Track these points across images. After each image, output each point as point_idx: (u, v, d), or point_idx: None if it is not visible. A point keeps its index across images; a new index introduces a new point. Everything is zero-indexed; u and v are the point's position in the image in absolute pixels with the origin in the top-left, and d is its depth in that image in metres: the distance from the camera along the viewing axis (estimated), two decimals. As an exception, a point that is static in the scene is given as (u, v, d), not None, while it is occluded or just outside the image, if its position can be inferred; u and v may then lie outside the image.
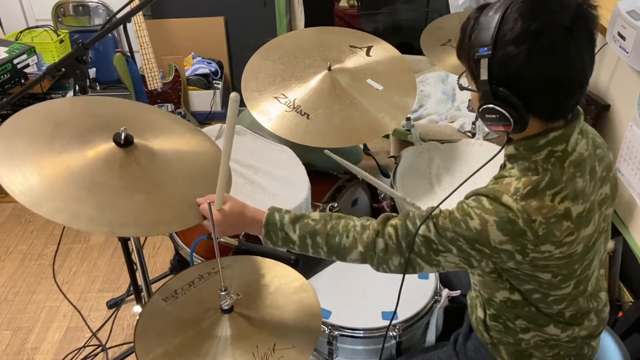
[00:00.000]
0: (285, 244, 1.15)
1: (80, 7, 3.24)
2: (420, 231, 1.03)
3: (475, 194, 1.01)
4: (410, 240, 1.04)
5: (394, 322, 1.37)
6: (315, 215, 1.14)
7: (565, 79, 0.93)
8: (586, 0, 0.92)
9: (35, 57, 2.70)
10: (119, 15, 1.53)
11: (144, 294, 1.67)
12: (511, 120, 0.94)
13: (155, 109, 1.43)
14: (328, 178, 2.02)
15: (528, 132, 0.99)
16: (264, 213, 1.17)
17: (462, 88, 1.07)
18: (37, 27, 3.08)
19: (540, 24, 0.89)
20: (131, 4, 1.53)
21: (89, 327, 2.16)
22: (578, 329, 1.13)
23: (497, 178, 1.04)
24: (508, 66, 0.92)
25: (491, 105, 0.95)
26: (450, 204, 1.05)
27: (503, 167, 1.09)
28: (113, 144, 1.20)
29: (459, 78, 1.08)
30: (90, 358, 2.05)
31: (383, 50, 2.01)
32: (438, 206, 1.04)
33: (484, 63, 0.93)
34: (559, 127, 0.98)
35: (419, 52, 2.24)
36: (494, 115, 0.96)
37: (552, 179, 0.97)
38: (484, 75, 0.94)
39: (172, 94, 2.98)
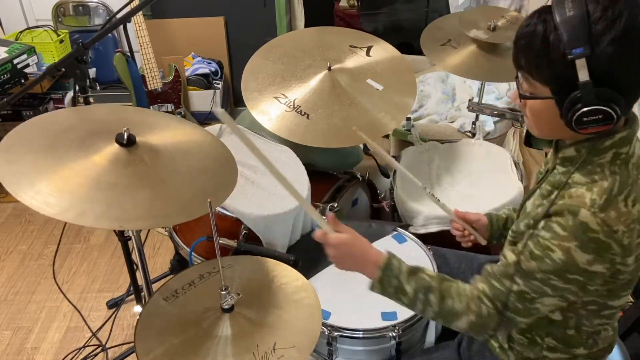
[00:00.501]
0: (396, 293, 1.11)
1: (80, 7, 3.24)
2: (505, 284, 1.01)
3: (546, 216, 0.98)
4: (504, 299, 1.02)
5: (393, 322, 1.37)
6: (431, 271, 1.12)
7: None
8: None
9: (35, 57, 2.70)
10: (119, 15, 1.53)
11: (144, 293, 1.67)
12: (615, 117, 0.91)
13: (151, 111, 1.44)
14: (328, 178, 2.02)
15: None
16: (382, 255, 1.13)
17: (525, 97, 1.01)
18: (37, 27, 3.08)
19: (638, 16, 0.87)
20: (131, 4, 1.53)
21: (89, 327, 2.16)
22: (600, 342, 1.13)
23: (558, 187, 1.01)
24: (613, 66, 0.89)
25: (597, 107, 0.91)
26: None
27: (550, 170, 1.07)
28: (116, 145, 1.21)
29: (518, 87, 1.03)
30: (90, 358, 2.05)
31: (383, 50, 2.01)
32: (517, 254, 1.01)
33: (582, 63, 0.89)
34: (622, 128, 0.97)
35: (419, 52, 2.24)
36: (596, 117, 0.91)
37: (621, 182, 0.96)
38: (584, 76, 0.89)
39: (172, 94, 2.98)
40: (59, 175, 1.12)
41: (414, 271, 1.11)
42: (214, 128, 1.91)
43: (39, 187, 1.08)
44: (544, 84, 0.96)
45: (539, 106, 0.99)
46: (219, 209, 1.57)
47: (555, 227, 0.95)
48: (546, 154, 1.33)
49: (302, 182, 1.75)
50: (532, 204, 1.13)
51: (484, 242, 1.38)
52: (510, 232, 1.13)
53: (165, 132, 1.35)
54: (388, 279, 1.10)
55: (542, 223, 0.99)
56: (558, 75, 0.93)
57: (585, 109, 0.91)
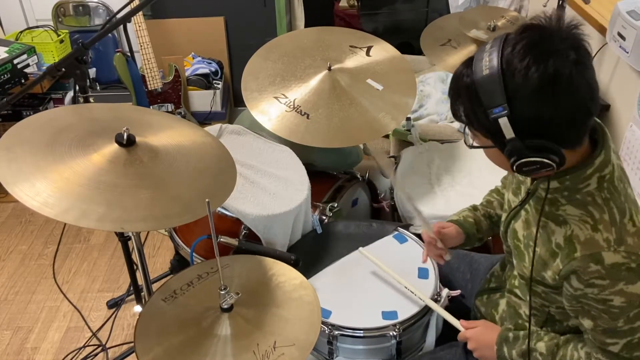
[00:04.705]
0: None
1: (80, 7, 3.24)
2: (612, 349, 1.01)
3: (572, 272, 0.98)
4: (628, 355, 1.01)
5: (394, 321, 1.37)
6: (542, 347, 1.12)
7: (591, 103, 0.91)
8: (571, 22, 0.91)
9: (35, 57, 2.70)
10: (119, 15, 1.53)
11: (144, 293, 1.67)
12: (554, 165, 0.91)
13: (151, 110, 1.44)
14: (328, 178, 2.02)
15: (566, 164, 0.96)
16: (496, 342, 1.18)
17: (472, 147, 1.02)
18: (37, 27, 3.08)
19: (553, 67, 0.86)
20: (131, 4, 1.53)
21: (89, 327, 2.16)
22: None
23: (555, 221, 1.02)
24: (535, 117, 0.89)
25: (530, 159, 0.91)
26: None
27: (532, 192, 1.07)
28: (115, 145, 1.21)
29: (465, 139, 1.04)
30: (90, 358, 2.05)
31: (383, 50, 2.01)
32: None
33: (504, 122, 0.89)
34: (597, 153, 0.97)
35: (419, 52, 2.24)
36: (534, 167, 0.92)
37: (617, 206, 0.97)
38: (509, 134, 0.90)
39: (172, 94, 2.98)
40: (59, 175, 1.11)
41: (526, 353, 1.13)
42: (214, 128, 1.91)
43: (39, 187, 1.07)
44: (483, 134, 0.97)
45: (489, 153, 1.01)
46: (219, 208, 1.57)
47: (595, 282, 0.96)
48: None
49: (302, 182, 1.75)
50: (522, 227, 1.13)
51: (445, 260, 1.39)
52: (528, 273, 1.12)
53: (164, 131, 1.35)
54: None
55: (575, 282, 0.99)
56: (488, 129, 0.94)
57: (520, 162, 0.92)
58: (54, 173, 1.12)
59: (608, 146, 0.99)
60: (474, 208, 1.41)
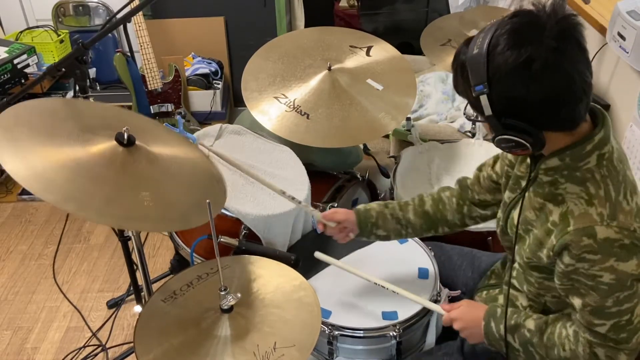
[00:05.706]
0: (512, 353, 1.15)
1: (80, 7, 3.24)
2: (599, 329, 1.01)
3: (564, 247, 0.99)
4: (611, 338, 1.01)
5: (394, 322, 1.37)
6: (530, 323, 1.13)
7: (567, 92, 0.94)
8: (564, 12, 0.93)
9: (35, 57, 2.70)
10: (119, 15, 1.53)
11: (144, 293, 1.67)
12: (527, 144, 0.97)
13: (145, 117, 1.42)
14: (328, 178, 2.02)
15: (560, 143, 1.00)
16: (483, 318, 1.18)
17: (470, 119, 1.08)
18: (37, 27, 3.08)
19: (528, 52, 0.91)
20: (131, 4, 1.53)
21: (89, 327, 2.16)
22: None
23: (552, 201, 1.04)
24: (509, 97, 0.94)
25: (505, 136, 0.98)
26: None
27: (532, 180, 1.08)
28: (115, 142, 1.20)
29: (465, 109, 1.11)
30: (90, 358, 2.05)
31: (383, 50, 2.01)
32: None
33: (484, 99, 0.96)
34: (597, 130, 0.99)
35: (419, 52, 2.24)
36: (510, 144, 0.99)
37: (614, 183, 0.98)
38: (487, 111, 0.97)
39: (172, 94, 2.98)
40: (58, 160, 1.08)
41: (513, 328, 1.14)
42: (214, 128, 1.91)
43: (37, 169, 1.04)
44: (474, 109, 1.04)
45: (485, 126, 1.06)
46: (219, 208, 1.57)
47: (587, 256, 0.97)
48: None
49: (302, 182, 1.75)
50: (521, 214, 1.14)
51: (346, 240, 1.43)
52: (525, 258, 1.14)
53: (159, 141, 1.32)
54: (495, 342, 1.16)
55: (567, 258, 1.00)
56: (475, 105, 1.01)
57: (497, 138, 0.99)
58: (53, 158, 1.08)
59: (607, 126, 1.01)
60: (385, 205, 1.42)
